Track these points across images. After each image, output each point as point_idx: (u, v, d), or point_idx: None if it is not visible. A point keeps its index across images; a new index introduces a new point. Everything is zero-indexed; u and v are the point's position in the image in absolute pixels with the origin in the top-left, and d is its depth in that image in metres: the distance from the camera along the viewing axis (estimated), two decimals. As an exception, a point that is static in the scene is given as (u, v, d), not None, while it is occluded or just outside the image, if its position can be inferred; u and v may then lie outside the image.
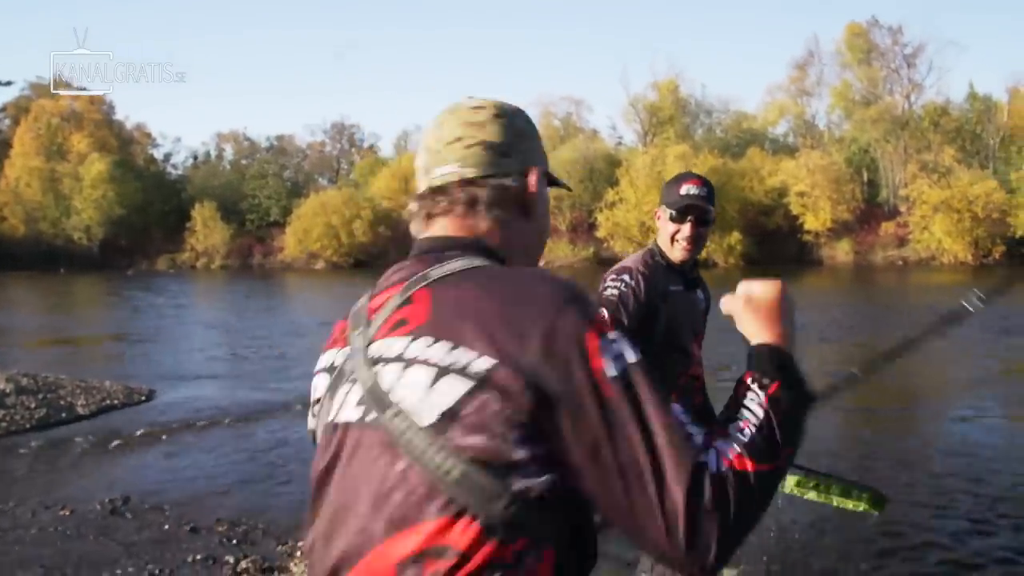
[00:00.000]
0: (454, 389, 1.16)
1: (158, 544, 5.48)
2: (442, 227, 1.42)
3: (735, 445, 1.19)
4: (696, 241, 3.29)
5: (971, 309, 2.44)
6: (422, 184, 1.46)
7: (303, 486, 6.81)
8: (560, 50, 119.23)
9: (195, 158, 71.16)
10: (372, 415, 1.23)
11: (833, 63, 56.24)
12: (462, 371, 1.16)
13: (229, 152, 70.95)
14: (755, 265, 35.79)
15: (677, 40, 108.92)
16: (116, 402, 10.14)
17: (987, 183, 44.35)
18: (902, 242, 47.42)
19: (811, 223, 46.65)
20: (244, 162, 67.89)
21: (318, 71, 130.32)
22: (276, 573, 5.00)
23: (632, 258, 3.35)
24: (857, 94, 54.25)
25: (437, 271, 1.30)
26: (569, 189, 1.74)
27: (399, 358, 1.23)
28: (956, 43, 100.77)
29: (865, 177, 51.20)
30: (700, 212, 3.27)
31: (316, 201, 55.69)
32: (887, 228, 47.69)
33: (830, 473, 3.96)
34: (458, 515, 1.14)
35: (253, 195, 61.82)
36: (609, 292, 3.15)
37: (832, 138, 55.47)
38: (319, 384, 1.42)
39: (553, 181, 1.55)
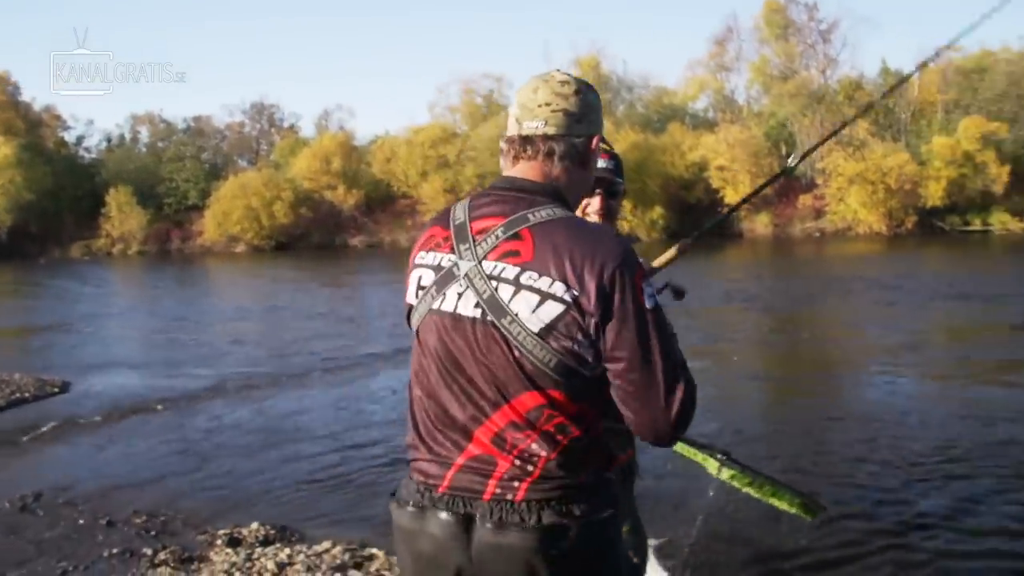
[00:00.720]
0: (553, 310, 1.80)
1: (71, 540, 5.33)
2: (524, 169, 1.99)
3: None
4: (607, 214, 3.27)
5: None
6: (512, 130, 2.02)
7: (225, 474, 6.74)
8: (481, 27, 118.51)
9: (109, 141, 68.93)
10: (491, 317, 1.84)
11: (752, 39, 56.74)
12: (558, 299, 1.80)
13: (144, 135, 68.83)
14: (677, 239, 35.84)
15: (598, 16, 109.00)
16: (27, 395, 9.85)
17: (899, 156, 45.40)
18: (819, 214, 48.35)
19: (731, 196, 47.17)
20: (160, 144, 65.86)
21: (235, 51, 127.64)
22: (196, 563, 4.90)
23: None
24: (775, 69, 54.88)
25: (534, 216, 1.88)
26: (610, 148, 2.49)
27: (513, 282, 1.83)
28: (869, 19, 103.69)
29: (783, 151, 52.02)
30: (608, 184, 3.24)
31: (235, 183, 54.32)
32: (805, 201, 48.53)
33: (764, 473, 4.01)
34: (555, 387, 1.84)
35: (170, 178, 60.13)
36: None
37: (751, 112, 56.18)
38: (424, 275, 1.98)
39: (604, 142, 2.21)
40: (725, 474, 3.75)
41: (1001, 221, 45.12)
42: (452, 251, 1.93)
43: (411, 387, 2.05)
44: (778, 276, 26.06)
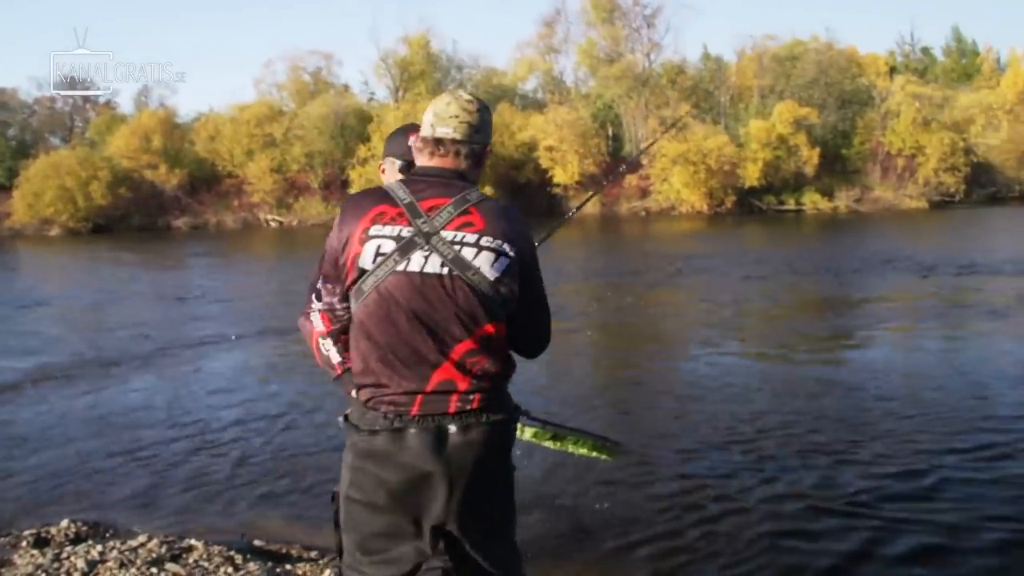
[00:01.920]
0: (504, 263, 2.50)
1: None
2: (439, 162, 2.63)
3: None
4: None
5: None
6: (428, 132, 2.64)
7: (36, 469, 6.35)
8: (309, 3, 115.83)
9: None
10: (456, 272, 2.46)
11: (579, 21, 57.94)
12: (507, 255, 2.51)
13: (-63, 108, 63.72)
14: (508, 219, 36.44)
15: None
16: None
17: (719, 138, 47.26)
18: (644, 193, 49.80)
19: (560, 176, 48.07)
20: (-42, 119, 61.26)
21: (42, 19, 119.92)
22: (-2, 568, 4.59)
23: None
24: (601, 52, 56.15)
25: (471, 197, 2.55)
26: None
27: (475, 244, 2.48)
28: (691, 6, 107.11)
29: (610, 132, 53.26)
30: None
31: (47, 162, 50.83)
32: (631, 180, 49.84)
33: (563, 424, 4.10)
34: (502, 320, 2.54)
35: (-30, 156, 56.16)
36: None
37: (579, 94, 57.23)
38: (384, 244, 2.48)
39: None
40: (528, 434, 3.82)
41: (812, 201, 47.80)
42: (409, 224, 2.49)
43: (364, 338, 2.52)
44: (609, 254, 26.67)
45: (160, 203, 51.49)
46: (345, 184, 49.97)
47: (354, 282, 2.52)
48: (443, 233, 2.48)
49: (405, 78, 56.31)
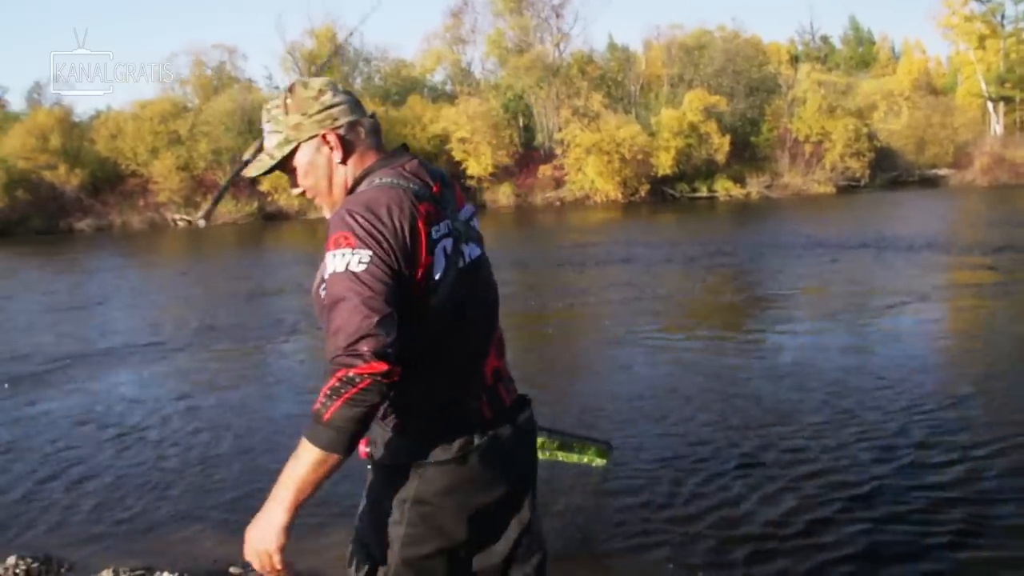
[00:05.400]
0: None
1: None
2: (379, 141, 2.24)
3: None
4: None
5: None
6: (355, 114, 2.19)
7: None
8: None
9: None
10: (481, 252, 2.22)
11: (487, 12, 57.65)
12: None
13: None
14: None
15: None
16: None
17: (631, 127, 47.42)
18: (559, 184, 49.71)
19: (473, 168, 47.73)
20: None
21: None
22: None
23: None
24: (510, 42, 55.92)
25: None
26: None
27: (473, 216, 2.26)
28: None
29: (521, 123, 53.08)
30: None
31: (-67, 164, 48.52)
32: (544, 171, 49.73)
33: (554, 428, 3.77)
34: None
35: None
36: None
37: (488, 85, 56.93)
38: (447, 244, 2.04)
39: None
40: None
41: (724, 188, 48.34)
42: (447, 216, 2.10)
43: (435, 358, 2.06)
44: (524, 244, 26.43)
45: (61, 205, 49.24)
46: (254, 181, 48.62)
47: (420, 299, 1.99)
48: (459, 214, 2.18)
49: (312, 71, 55.16)
